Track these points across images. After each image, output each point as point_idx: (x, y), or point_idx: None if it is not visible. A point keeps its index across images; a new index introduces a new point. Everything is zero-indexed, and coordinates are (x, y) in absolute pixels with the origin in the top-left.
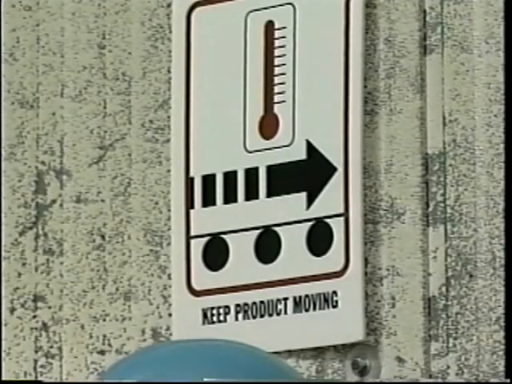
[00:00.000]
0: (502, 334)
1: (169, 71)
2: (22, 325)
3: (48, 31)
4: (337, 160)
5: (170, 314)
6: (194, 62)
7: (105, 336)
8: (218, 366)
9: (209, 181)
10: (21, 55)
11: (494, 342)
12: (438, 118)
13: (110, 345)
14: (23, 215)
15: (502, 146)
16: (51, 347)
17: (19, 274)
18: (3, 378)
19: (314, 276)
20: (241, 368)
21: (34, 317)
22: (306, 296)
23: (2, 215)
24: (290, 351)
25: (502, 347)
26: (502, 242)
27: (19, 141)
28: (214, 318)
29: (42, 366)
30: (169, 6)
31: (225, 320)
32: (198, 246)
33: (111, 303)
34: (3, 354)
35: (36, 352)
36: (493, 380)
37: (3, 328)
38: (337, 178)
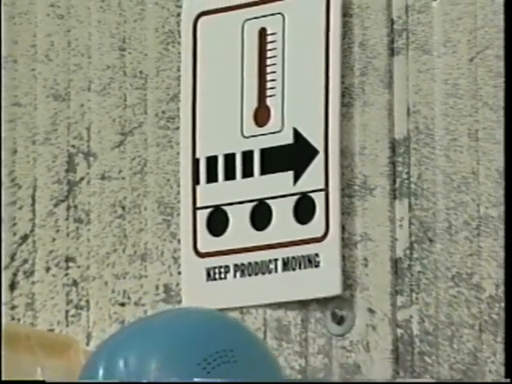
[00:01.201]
0: (457, 289)
1: (178, 70)
2: (55, 281)
3: (77, 36)
4: (319, 144)
5: (179, 273)
6: (199, 62)
7: (125, 291)
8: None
9: (212, 161)
10: (55, 56)
11: (450, 295)
12: (403, 109)
13: (129, 298)
14: (57, 190)
15: (457, 132)
16: (80, 300)
17: (53, 239)
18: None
19: (299, 241)
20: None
21: (66, 275)
22: (293, 257)
23: (39, 190)
24: (279, 303)
25: (456, 300)
26: (457, 212)
27: (53, 128)
28: (216, 276)
29: (72, 316)
30: (178, 15)
31: (225, 277)
32: (202, 215)
33: (130, 263)
34: (39, 306)
35: (67, 304)
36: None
37: (40, 284)
38: (318, 159)
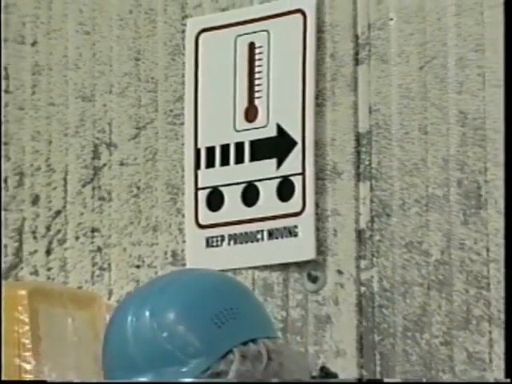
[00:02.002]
0: (409, 254)
1: (183, 76)
2: (83, 248)
3: (101, 49)
4: (297, 136)
5: (183, 241)
6: (200, 70)
7: (139, 256)
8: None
9: (210, 150)
10: (82, 65)
11: (403, 259)
12: (366, 108)
13: (143, 261)
14: (84, 174)
15: (410, 127)
16: (103, 263)
17: (81, 214)
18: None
19: (281, 215)
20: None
21: (92, 242)
22: (276, 229)
23: (70, 174)
24: (265, 266)
25: (408, 263)
26: (409, 192)
27: (81, 123)
28: (214, 244)
29: (97, 276)
30: (183, 31)
31: (221, 245)
32: (203, 195)
33: (144, 233)
34: (70, 268)
35: (93, 266)
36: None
37: (71, 250)
38: (297, 149)
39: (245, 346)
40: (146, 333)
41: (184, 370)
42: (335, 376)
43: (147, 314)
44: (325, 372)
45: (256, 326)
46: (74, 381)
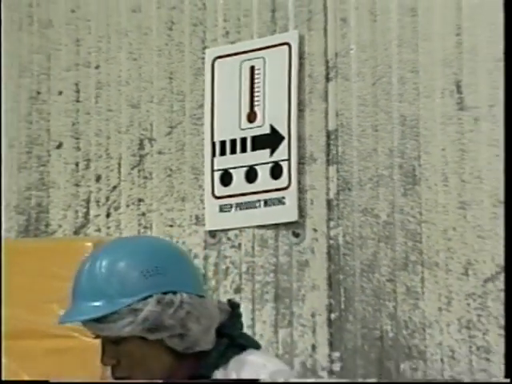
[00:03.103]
0: (364, 217)
1: (203, 90)
2: (132, 213)
3: (145, 70)
4: (285, 133)
5: (203, 208)
6: (216, 86)
7: (172, 218)
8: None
9: (223, 143)
10: (131, 82)
11: (360, 221)
12: (334, 113)
13: (175, 222)
14: (133, 160)
15: (365, 126)
16: (146, 224)
17: (131, 188)
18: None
19: (273, 189)
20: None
21: (138, 209)
22: (270, 199)
23: (123, 160)
24: (261, 225)
25: (364, 224)
26: (365, 173)
27: (131, 124)
28: (225, 210)
29: (142, 233)
30: (203, 58)
31: (230, 211)
32: (217, 175)
33: (175, 202)
34: (123, 227)
35: (139, 226)
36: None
37: (123, 215)
38: (285, 142)
39: (163, 295)
40: (95, 274)
41: (105, 303)
42: (238, 306)
43: (98, 262)
44: (231, 303)
45: (178, 282)
46: None
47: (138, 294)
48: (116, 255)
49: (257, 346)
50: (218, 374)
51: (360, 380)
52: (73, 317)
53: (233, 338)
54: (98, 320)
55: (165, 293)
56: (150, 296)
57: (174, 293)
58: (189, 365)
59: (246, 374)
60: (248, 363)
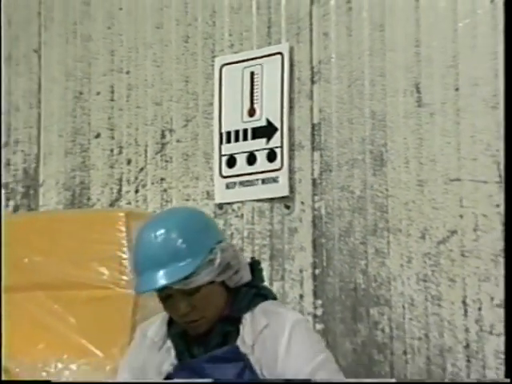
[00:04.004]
0: (342, 193)
1: (213, 91)
2: (156, 190)
3: (166, 75)
4: (278, 125)
5: (213, 185)
6: (223, 87)
7: (188, 194)
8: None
9: (228, 133)
10: (156, 84)
11: (339, 196)
12: (318, 109)
13: (190, 196)
14: (156, 147)
15: (342, 120)
16: (167, 198)
17: (155, 170)
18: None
19: (269, 170)
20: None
21: (161, 186)
22: (266, 178)
23: (148, 147)
24: (259, 199)
25: (342, 198)
26: (343, 157)
27: (154, 118)
28: (230, 187)
29: (164, 206)
30: (213, 65)
31: (234, 188)
32: (224, 158)
33: (190, 181)
34: (149, 201)
35: (161, 200)
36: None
37: (149, 191)
38: (278, 133)
39: (219, 244)
40: (169, 242)
41: (192, 260)
42: (259, 263)
43: (167, 233)
44: (254, 260)
45: (218, 234)
46: None
47: (206, 248)
48: (177, 223)
49: (275, 298)
50: (247, 316)
51: (366, 380)
52: (166, 280)
53: (258, 289)
54: (185, 277)
55: (219, 242)
56: (214, 247)
57: (221, 241)
58: (227, 306)
59: (271, 320)
60: (271, 311)
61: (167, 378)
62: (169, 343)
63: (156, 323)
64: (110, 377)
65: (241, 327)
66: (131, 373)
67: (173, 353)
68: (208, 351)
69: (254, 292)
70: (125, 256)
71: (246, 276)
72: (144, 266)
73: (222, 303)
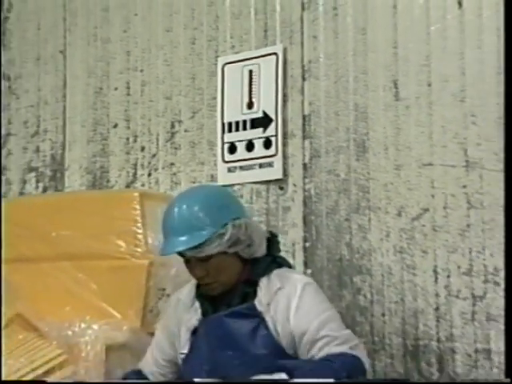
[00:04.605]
0: (328, 176)
1: (216, 87)
2: (166, 173)
3: (175, 73)
4: (273, 117)
5: (217, 169)
6: (225, 84)
7: (195, 177)
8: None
9: (230, 124)
10: (166, 81)
11: (326, 177)
12: (307, 102)
13: (197, 179)
14: (167, 135)
15: (329, 113)
16: (176, 181)
17: (166, 156)
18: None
19: (265, 156)
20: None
21: (171, 170)
22: (263, 163)
23: (160, 135)
24: (257, 181)
25: (328, 180)
26: (330, 144)
27: (165, 110)
28: (231, 171)
29: (173, 187)
30: (216, 64)
31: (235, 171)
32: (226, 146)
33: (196, 165)
34: (160, 183)
35: (171, 182)
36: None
37: (160, 175)
38: (273, 123)
39: (234, 220)
40: (189, 215)
41: (204, 232)
42: (277, 235)
43: (188, 206)
44: (271, 233)
45: (238, 211)
46: None
47: (219, 223)
48: (199, 200)
49: (290, 266)
50: (264, 280)
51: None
52: (182, 246)
53: (274, 257)
54: (197, 246)
55: (234, 219)
56: (227, 223)
57: (239, 218)
58: (246, 271)
59: (284, 283)
60: (285, 276)
61: (194, 331)
62: (196, 304)
63: (187, 288)
64: (126, 335)
65: (258, 289)
66: (164, 331)
67: (199, 311)
68: (229, 309)
69: (271, 260)
70: (139, 231)
71: (260, 250)
72: (167, 232)
73: (235, 271)
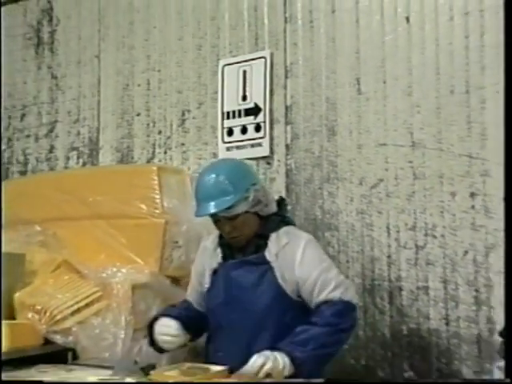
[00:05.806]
0: (306, 154)
1: (217, 83)
2: (178, 151)
3: (185, 73)
4: (263, 106)
5: (218, 148)
6: (225, 82)
7: (201, 154)
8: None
9: (228, 113)
10: (178, 79)
11: (304, 156)
12: (290, 95)
13: (202, 157)
14: (178, 122)
15: (308, 103)
16: (186, 157)
17: (178, 139)
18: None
19: (256, 138)
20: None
21: (182, 148)
22: (254, 144)
23: (173, 122)
24: (250, 158)
25: (308, 160)
26: (308, 129)
27: (177, 103)
28: (230, 149)
29: (183, 163)
30: (217, 65)
31: (232, 150)
32: (225, 130)
33: (202, 145)
34: (174, 159)
35: (182, 159)
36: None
37: (174, 153)
38: (263, 112)
39: (253, 186)
40: (219, 181)
41: (231, 196)
42: (285, 200)
43: (217, 175)
44: (281, 197)
45: (254, 178)
46: None
47: (243, 188)
48: (224, 171)
49: (294, 224)
50: (273, 235)
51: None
52: (215, 209)
53: (283, 217)
54: (227, 208)
55: (252, 184)
56: (249, 188)
57: (256, 184)
58: (260, 227)
59: (290, 239)
60: (291, 233)
61: (214, 271)
62: (218, 250)
63: (211, 238)
64: (148, 277)
65: (269, 242)
66: (196, 275)
67: (220, 256)
68: (244, 257)
69: (280, 219)
70: (157, 197)
71: (272, 208)
72: (200, 198)
73: (255, 226)
